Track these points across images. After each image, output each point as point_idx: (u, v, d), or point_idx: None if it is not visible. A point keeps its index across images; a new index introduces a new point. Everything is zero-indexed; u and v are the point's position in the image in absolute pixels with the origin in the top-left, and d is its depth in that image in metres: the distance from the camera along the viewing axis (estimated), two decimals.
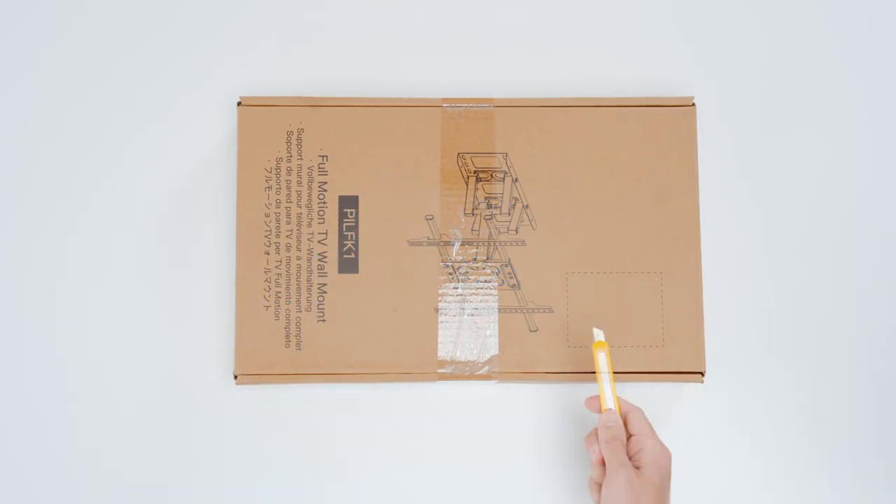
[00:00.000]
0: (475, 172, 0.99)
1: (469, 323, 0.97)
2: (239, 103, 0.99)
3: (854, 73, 1.03)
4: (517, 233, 0.98)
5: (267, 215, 0.98)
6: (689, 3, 1.04)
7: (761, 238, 1.01)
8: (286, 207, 0.98)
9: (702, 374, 0.96)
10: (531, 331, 0.97)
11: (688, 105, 0.99)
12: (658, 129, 0.98)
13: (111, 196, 1.02)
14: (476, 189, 0.98)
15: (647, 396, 0.98)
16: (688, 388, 0.98)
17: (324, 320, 0.97)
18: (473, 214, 0.98)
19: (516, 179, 0.98)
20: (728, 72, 1.03)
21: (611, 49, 1.04)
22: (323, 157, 0.99)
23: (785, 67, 1.03)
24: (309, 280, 0.98)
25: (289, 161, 0.99)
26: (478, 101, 0.99)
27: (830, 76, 1.03)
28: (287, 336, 0.97)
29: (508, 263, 0.98)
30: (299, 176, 0.99)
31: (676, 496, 0.96)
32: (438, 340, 0.97)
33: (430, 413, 0.99)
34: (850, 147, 1.02)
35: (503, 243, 0.98)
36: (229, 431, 0.99)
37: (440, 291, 0.97)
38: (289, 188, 0.98)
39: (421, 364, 0.97)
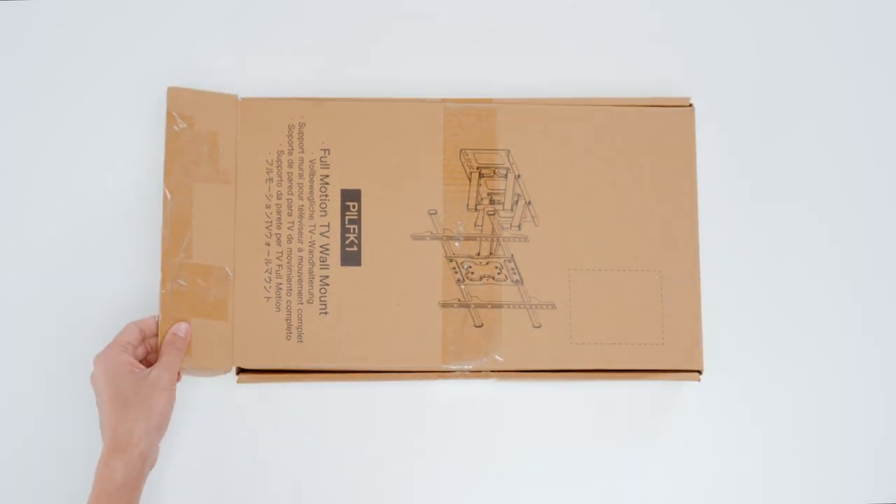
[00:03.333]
0: (478, 169, 0.99)
1: (472, 318, 0.96)
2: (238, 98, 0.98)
3: (852, 73, 1.04)
4: (520, 229, 0.98)
5: (268, 206, 0.97)
6: (688, 3, 1.06)
7: (760, 238, 1.01)
8: (287, 199, 0.97)
9: (699, 372, 0.96)
10: (534, 327, 0.96)
11: (685, 106, 1.00)
12: (656, 130, 0.99)
13: (107, 184, 1.01)
14: (479, 185, 0.98)
15: (645, 394, 0.99)
16: (685, 387, 0.98)
17: (326, 312, 0.95)
18: (476, 210, 0.98)
19: (518, 176, 0.99)
20: (727, 72, 1.04)
21: (610, 49, 1.05)
22: (325, 150, 0.98)
23: (783, 68, 1.04)
24: (311, 272, 0.96)
25: (290, 154, 0.98)
26: (478, 101, 1.00)
27: (829, 76, 1.04)
28: (288, 328, 0.95)
29: (511, 259, 0.97)
30: (301, 169, 0.98)
31: (673, 495, 0.96)
32: (442, 336, 0.96)
33: (429, 412, 0.98)
34: (848, 146, 1.03)
35: (506, 239, 0.98)
36: (229, 430, 0.98)
37: (443, 286, 0.97)
38: (290, 180, 0.97)
39: (424, 360, 0.95)
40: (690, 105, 1.01)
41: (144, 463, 0.86)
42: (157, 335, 0.94)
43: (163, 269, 0.94)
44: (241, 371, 0.96)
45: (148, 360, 0.93)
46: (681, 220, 0.98)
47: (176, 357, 0.91)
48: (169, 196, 0.95)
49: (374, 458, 0.98)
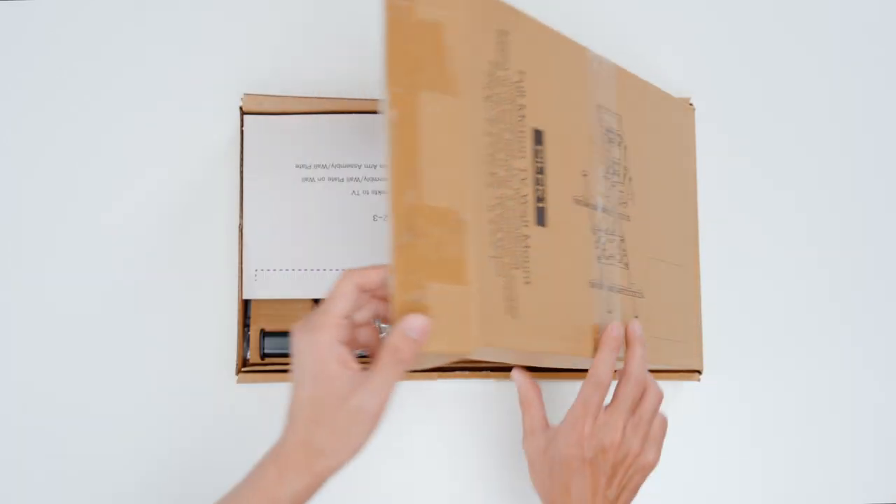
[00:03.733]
0: (607, 132, 0.87)
1: (606, 301, 0.85)
2: None
3: (853, 72, 1.06)
4: (626, 206, 0.89)
5: (488, 134, 0.74)
6: (688, 3, 1.05)
7: (760, 238, 1.02)
8: (500, 128, 0.75)
9: (699, 372, 0.98)
10: (634, 316, 0.89)
11: (685, 106, 1.01)
12: (659, 127, 0.98)
13: (107, 185, 0.98)
14: (607, 150, 0.87)
15: None
16: (685, 387, 0.98)
17: (529, 282, 0.76)
18: (606, 178, 0.87)
19: (626, 147, 0.90)
20: (727, 72, 1.04)
21: (610, 49, 0.99)
22: (522, 73, 0.78)
23: (783, 68, 1.05)
24: (517, 229, 0.76)
25: (499, 69, 0.76)
26: None
27: (829, 75, 1.06)
28: (507, 298, 0.74)
29: (623, 240, 0.88)
30: (506, 90, 0.76)
31: (671, 495, 0.98)
32: (591, 323, 0.83)
33: (429, 411, 0.96)
34: (848, 146, 1.05)
35: (619, 216, 0.88)
36: (229, 430, 0.96)
37: (590, 262, 0.84)
38: (500, 104, 0.75)
39: (580, 349, 0.82)
40: (690, 105, 1.01)
41: (313, 491, 0.72)
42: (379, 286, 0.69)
43: (395, 213, 0.66)
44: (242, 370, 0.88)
45: (367, 327, 0.74)
46: (681, 219, 0.98)
47: (393, 376, 0.68)
48: (394, 110, 0.67)
49: (373, 457, 0.87)
